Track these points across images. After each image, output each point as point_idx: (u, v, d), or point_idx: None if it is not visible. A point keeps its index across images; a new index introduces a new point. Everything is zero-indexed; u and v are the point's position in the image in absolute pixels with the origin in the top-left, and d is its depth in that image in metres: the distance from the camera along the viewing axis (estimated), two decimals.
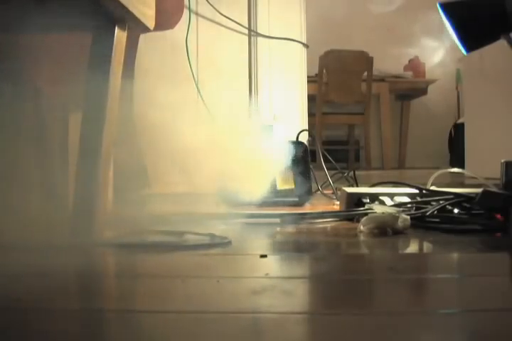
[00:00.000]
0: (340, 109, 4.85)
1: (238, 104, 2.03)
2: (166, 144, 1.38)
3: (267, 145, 1.63)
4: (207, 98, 1.96)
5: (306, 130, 2.07)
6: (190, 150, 1.45)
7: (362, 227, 1.15)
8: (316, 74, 4.66)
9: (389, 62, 5.19)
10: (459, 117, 5.18)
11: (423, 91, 5.26)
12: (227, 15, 2.19)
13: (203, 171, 1.51)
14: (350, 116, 4.85)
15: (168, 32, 1.86)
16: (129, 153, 1.34)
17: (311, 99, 3.71)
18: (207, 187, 1.47)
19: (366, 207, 1.33)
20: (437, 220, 1.23)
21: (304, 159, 1.76)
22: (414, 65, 5.25)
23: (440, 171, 1.58)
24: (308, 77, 2.53)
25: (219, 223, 1.27)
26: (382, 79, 4.92)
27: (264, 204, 1.50)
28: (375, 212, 1.22)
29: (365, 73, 4.69)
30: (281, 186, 1.71)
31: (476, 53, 3.05)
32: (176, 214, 1.28)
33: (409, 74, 5.13)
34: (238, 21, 2.21)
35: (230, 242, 1.02)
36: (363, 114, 4.80)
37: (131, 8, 1.07)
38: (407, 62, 5.32)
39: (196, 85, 1.96)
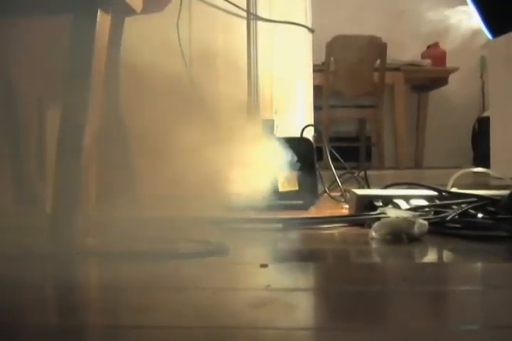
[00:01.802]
0: (349, 102, 4.85)
1: (235, 97, 2.03)
2: (156, 140, 1.39)
3: (267, 142, 1.63)
4: (201, 90, 1.97)
5: (311, 125, 2.07)
6: (182, 148, 1.45)
7: (374, 233, 1.15)
8: (323, 63, 4.66)
9: (404, 48, 5.20)
10: (483, 110, 5.19)
11: (443, 82, 5.26)
12: None
13: (197, 171, 1.51)
14: (361, 109, 4.86)
15: (156, 15, 1.86)
16: (115, 150, 1.34)
17: (317, 90, 3.70)
18: (201, 189, 1.47)
19: (378, 211, 1.34)
20: (458, 226, 1.23)
21: (309, 158, 1.77)
22: (433, 52, 5.25)
23: (462, 171, 1.59)
24: (313, 65, 2.53)
25: (215, 229, 1.28)
26: (396, 68, 4.92)
27: (264, 207, 1.50)
28: (389, 217, 1.22)
29: (378, 61, 4.70)
30: (283, 188, 1.72)
31: (502, 38, 3.05)
32: (167, 218, 1.29)
33: (427, 62, 5.13)
34: (235, 3, 2.21)
35: (226, 250, 1.03)
36: (375, 107, 4.80)
37: None
38: (425, 48, 5.32)
39: (189, 76, 1.97)
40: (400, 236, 1.13)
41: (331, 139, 4.66)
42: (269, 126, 1.85)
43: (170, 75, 1.76)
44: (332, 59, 4.65)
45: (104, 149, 1.25)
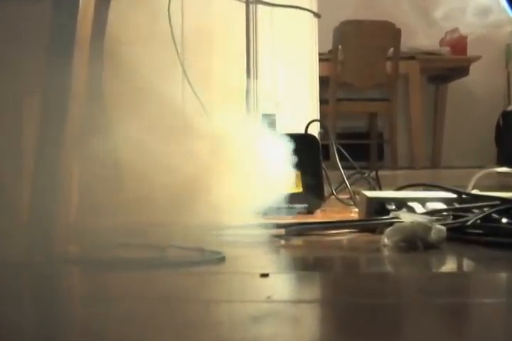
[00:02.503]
0: (359, 95, 4.85)
1: (233, 89, 2.03)
2: (145, 136, 1.39)
3: (267, 139, 1.63)
4: (194, 81, 1.97)
5: (317, 120, 2.07)
6: (173, 145, 1.46)
7: (386, 240, 1.15)
8: (330, 51, 4.66)
9: (421, 35, 5.20)
10: (508, 104, 5.19)
11: (464, 72, 5.25)
12: None
13: (189, 171, 1.52)
14: (372, 102, 4.86)
15: (145, 0, 1.87)
16: (99, 148, 1.35)
17: (324, 81, 3.70)
18: (193, 191, 1.47)
19: (391, 215, 1.34)
20: (480, 232, 1.23)
21: (315, 156, 1.77)
22: (453, 39, 5.24)
23: (484, 171, 1.59)
24: (320, 54, 2.54)
25: (210, 235, 1.28)
26: (412, 57, 4.92)
27: (265, 212, 1.50)
28: (403, 222, 1.23)
29: (391, 49, 4.70)
30: (287, 190, 1.72)
31: None
32: (157, 223, 1.29)
33: (446, 50, 5.12)
34: None
35: (223, 258, 1.03)
36: (388, 100, 4.80)
37: None
38: (443, 34, 5.32)
39: (181, 65, 1.97)
40: (415, 243, 1.13)
41: (339, 136, 4.66)
42: (270, 121, 1.85)
43: (160, 66, 1.77)
44: (340, 47, 4.65)
45: (86, 145, 1.25)
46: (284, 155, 1.62)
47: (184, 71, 1.95)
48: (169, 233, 1.23)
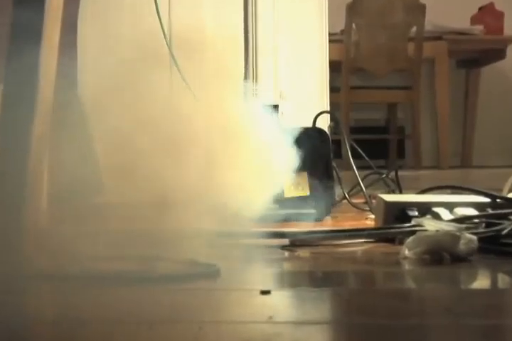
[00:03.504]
0: (376, 82, 4.85)
1: (229, 78, 2.04)
2: (127, 135, 1.40)
3: (269, 134, 1.64)
4: (185, 69, 1.97)
5: (326, 112, 2.08)
6: (160, 143, 1.46)
7: (407, 252, 1.16)
8: (342, 31, 4.67)
9: (449, 11, 5.19)
10: None
11: (499, 55, 5.24)
12: None
13: (179, 172, 1.52)
14: (392, 91, 4.86)
15: None
16: (73, 147, 1.35)
17: (335, 67, 3.71)
18: (184, 195, 1.48)
19: (413, 222, 1.35)
20: None
21: (324, 154, 1.77)
22: (487, 16, 5.23)
23: None
24: (330, 34, 2.54)
25: (203, 245, 1.29)
26: (438, 37, 4.91)
27: (266, 218, 1.51)
28: (426, 230, 1.23)
29: (414, 28, 4.70)
30: (290, 193, 1.73)
31: None
32: (142, 232, 1.30)
33: (478, 28, 5.11)
34: None
35: (218, 272, 1.04)
36: (410, 88, 4.80)
37: None
38: (475, 11, 5.31)
39: (169, 51, 1.97)
40: (440, 255, 1.14)
41: (352, 130, 4.66)
42: (273, 113, 1.86)
43: (147, 58, 1.77)
44: (354, 26, 4.65)
45: (58, 140, 1.26)
46: (288, 152, 1.62)
47: (174, 60, 1.95)
48: (155, 242, 1.23)
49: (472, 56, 5.33)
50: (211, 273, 1.03)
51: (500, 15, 5.24)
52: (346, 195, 1.91)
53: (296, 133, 1.69)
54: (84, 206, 1.39)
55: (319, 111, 1.99)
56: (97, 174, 1.43)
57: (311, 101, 2.33)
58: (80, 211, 1.39)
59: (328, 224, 1.67)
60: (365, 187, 1.88)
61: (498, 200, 1.45)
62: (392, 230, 1.36)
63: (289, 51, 2.30)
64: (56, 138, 1.21)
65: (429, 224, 1.29)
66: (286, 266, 1.20)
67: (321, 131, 1.83)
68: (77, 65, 1.47)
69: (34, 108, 1.09)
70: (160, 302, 0.90)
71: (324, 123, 2.06)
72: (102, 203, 1.44)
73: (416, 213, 1.40)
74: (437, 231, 1.19)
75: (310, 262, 1.23)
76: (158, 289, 0.96)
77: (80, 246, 1.18)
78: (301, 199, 1.72)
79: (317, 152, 1.75)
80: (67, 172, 1.35)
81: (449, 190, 1.64)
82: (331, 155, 1.79)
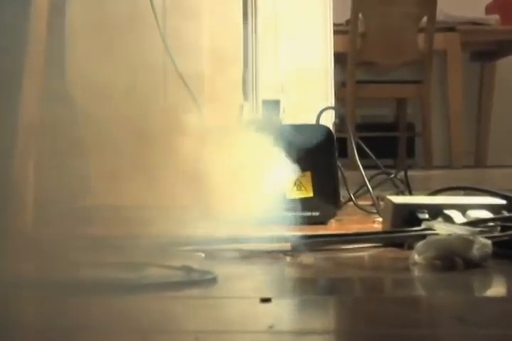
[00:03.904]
0: (384, 75, 4.85)
1: (226, 70, 2.04)
2: (118, 133, 1.40)
3: (270, 131, 1.64)
4: (179, 60, 1.97)
5: (331, 108, 2.08)
6: (152, 143, 1.47)
7: (417, 257, 1.16)
8: (348, 22, 4.67)
9: (462, 0, 5.19)
10: None
11: None
12: None
13: (171, 172, 1.52)
14: (401, 85, 4.86)
15: None
16: (62, 147, 1.35)
17: (340, 59, 3.71)
18: (177, 198, 1.48)
19: (424, 225, 1.35)
20: None
21: (328, 153, 1.77)
22: (503, 5, 5.23)
23: None
24: (335, 25, 2.54)
25: (198, 251, 1.29)
26: (451, 28, 4.91)
27: (267, 221, 1.51)
28: (438, 234, 1.23)
29: (425, 18, 4.70)
30: (293, 194, 1.73)
31: None
32: (133, 236, 1.30)
33: (494, 18, 5.11)
34: None
35: (214, 279, 1.04)
36: (421, 82, 4.80)
37: None
38: None
39: (163, 40, 1.98)
40: (453, 260, 1.14)
41: (359, 127, 4.66)
42: (273, 109, 1.86)
43: (135, 34, 1.78)
44: (361, 15, 4.65)
45: (45, 142, 1.26)
46: (290, 151, 1.62)
47: (167, 48, 1.96)
48: (147, 248, 1.23)
49: (487, 48, 5.33)
50: (207, 280, 1.03)
51: None
52: (352, 197, 1.91)
53: (298, 130, 1.70)
54: (72, 209, 1.39)
55: (323, 107, 1.99)
56: (85, 175, 1.44)
57: (314, 97, 2.33)
58: (67, 214, 1.39)
59: (332, 228, 1.67)
60: (372, 188, 1.88)
61: None
62: (401, 234, 1.36)
63: (291, 42, 2.30)
64: (43, 136, 1.21)
65: (441, 228, 1.29)
66: (288, 272, 1.20)
67: (325, 128, 1.83)
68: (65, 53, 1.47)
69: (18, 102, 1.10)
70: (153, 311, 0.90)
71: (329, 119, 2.06)
72: (90, 206, 1.45)
73: (426, 216, 1.41)
74: (449, 235, 1.19)
75: (313, 268, 1.23)
76: (151, 297, 0.97)
77: (67, 252, 1.18)
78: (305, 201, 1.72)
79: (321, 151, 1.75)
80: (54, 173, 1.36)
81: (461, 191, 1.64)
82: (336, 154, 1.79)
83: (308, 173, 1.73)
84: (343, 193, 1.85)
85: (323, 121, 1.91)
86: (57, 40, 1.39)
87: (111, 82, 1.70)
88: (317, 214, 1.72)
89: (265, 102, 1.94)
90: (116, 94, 1.67)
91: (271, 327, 0.80)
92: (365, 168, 1.90)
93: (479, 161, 5.31)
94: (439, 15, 4.76)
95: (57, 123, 1.33)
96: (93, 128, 1.54)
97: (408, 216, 1.42)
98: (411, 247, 1.22)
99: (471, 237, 1.16)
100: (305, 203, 1.71)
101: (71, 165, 1.38)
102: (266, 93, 2.09)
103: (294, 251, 1.32)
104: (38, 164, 1.22)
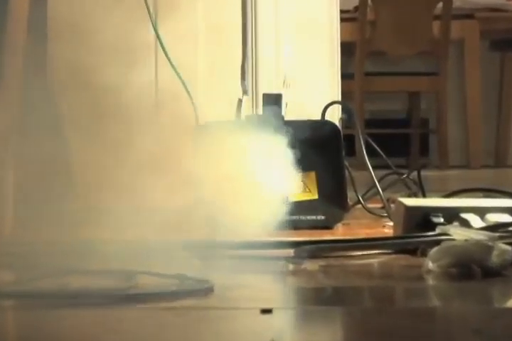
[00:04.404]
0: (396, 67, 4.85)
1: (223, 61, 2.04)
2: (105, 133, 1.41)
3: (270, 128, 1.64)
4: (173, 53, 1.98)
5: (338, 102, 2.08)
6: (142, 141, 1.47)
7: (431, 265, 1.16)
8: (356, 8, 4.67)
9: None
10: None
11: None
12: None
13: (164, 173, 1.53)
14: (414, 78, 4.85)
15: None
16: (45, 147, 1.36)
17: (348, 49, 3.71)
18: (169, 198, 1.48)
19: (438, 230, 1.35)
20: None
21: (335, 151, 1.78)
22: None
23: None
24: (341, 12, 2.54)
25: (193, 257, 1.29)
26: (468, 15, 4.91)
27: (267, 226, 1.51)
28: (454, 240, 1.23)
29: (440, 4, 4.70)
30: (296, 197, 1.73)
31: None
32: (121, 241, 1.30)
33: None
34: None
35: (211, 288, 1.04)
36: (436, 74, 4.80)
37: None
38: None
39: (155, 31, 1.98)
40: (470, 268, 1.14)
41: (368, 123, 4.66)
42: (274, 103, 1.86)
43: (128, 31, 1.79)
44: (370, 1, 4.65)
45: (26, 143, 1.27)
46: (293, 149, 1.63)
47: (157, 33, 1.96)
48: (138, 254, 1.23)
49: (508, 37, 5.32)
50: (204, 289, 1.04)
51: None
52: (360, 199, 1.91)
53: (302, 127, 1.70)
54: (56, 212, 1.39)
55: (329, 102, 1.99)
56: (68, 178, 1.44)
57: (319, 90, 2.33)
58: (50, 218, 1.39)
59: (339, 233, 1.68)
60: (383, 190, 1.88)
61: None
62: (414, 240, 1.36)
63: (294, 31, 2.31)
64: (24, 138, 1.22)
65: (457, 233, 1.29)
66: (291, 280, 1.20)
67: (331, 124, 1.83)
68: (46, 47, 1.48)
69: None
70: (145, 323, 0.90)
71: (335, 115, 2.06)
72: (75, 209, 1.45)
73: (441, 220, 1.41)
74: (466, 240, 1.20)
75: (318, 276, 1.23)
76: (141, 308, 0.97)
77: (50, 258, 1.18)
78: (309, 203, 1.72)
79: (327, 149, 1.75)
80: (36, 175, 1.36)
81: (480, 193, 1.64)
82: (343, 153, 1.79)
83: (312, 173, 1.73)
84: (350, 195, 1.85)
85: (328, 117, 1.91)
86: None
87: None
88: (322, 217, 1.72)
89: (266, 96, 1.94)
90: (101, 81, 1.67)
91: (272, 340, 0.80)
92: (374, 167, 1.90)
93: (499, 160, 5.30)
94: (456, 1, 4.76)
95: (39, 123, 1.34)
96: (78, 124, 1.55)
97: (421, 220, 1.42)
98: (424, 254, 1.22)
99: (489, 243, 1.16)
100: (309, 206, 1.71)
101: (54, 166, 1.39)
102: (267, 86, 2.10)
103: (297, 258, 1.32)
104: (18, 165, 1.23)
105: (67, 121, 1.52)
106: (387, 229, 1.65)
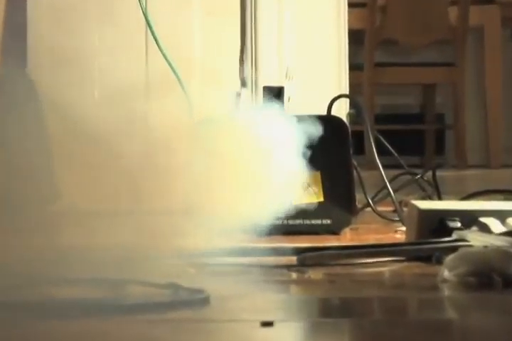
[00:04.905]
0: (409, 57, 4.86)
1: (220, 49, 2.05)
2: (89, 130, 1.41)
3: (272, 123, 1.65)
4: (164, 39, 1.98)
5: (345, 96, 2.08)
6: (132, 138, 1.48)
7: (447, 273, 1.17)
8: None
9: None
10: None
11: None
12: None
13: (156, 173, 1.53)
14: (429, 69, 4.86)
15: None
16: (24, 145, 1.37)
17: (356, 38, 3.71)
18: (161, 202, 1.49)
19: (455, 236, 1.35)
20: None
21: (342, 149, 1.78)
22: None
23: None
24: None
25: (187, 265, 1.29)
26: (488, 0, 4.92)
27: (269, 231, 1.52)
28: (472, 246, 1.24)
29: None
30: (300, 199, 1.73)
31: None
32: (110, 246, 1.30)
33: None
34: None
35: (206, 299, 1.04)
36: (453, 65, 4.80)
37: None
38: None
39: (148, 23, 1.99)
40: (489, 277, 1.14)
41: (378, 119, 4.67)
42: (276, 97, 1.86)
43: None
44: None
45: (5, 136, 1.27)
46: (297, 147, 1.63)
47: (149, 24, 1.96)
48: (128, 262, 1.24)
49: None
50: (199, 300, 1.04)
51: None
52: (370, 202, 1.92)
53: (306, 123, 1.70)
54: (39, 215, 1.40)
55: (336, 95, 1.99)
56: (50, 178, 1.44)
57: (325, 82, 2.33)
58: (31, 220, 1.40)
59: (346, 239, 1.68)
60: (394, 192, 1.89)
61: None
62: (428, 246, 1.37)
63: (297, 17, 2.31)
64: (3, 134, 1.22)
65: (475, 239, 1.30)
66: (294, 290, 1.21)
67: (337, 120, 1.84)
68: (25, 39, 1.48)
69: None
70: (135, 336, 0.91)
71: (342, 110, 2.07)
72: (60, 212, 1.45)
73: (458, 224, 1.41)
74: (485, 247, 1.20)
75: (324, 286, 1.24)
76: (132, 320, 0.97)
77: (34, 265, 1.19)
78: (314, 206, 1.72)
79: (333, 147, 1.75)
80: (15, 174, 1.36)
81: (501, 195, 1.64)
82: (351, 151, 1.80)
83: (318, 174, 1.74)
84: (358, 197, 1.86)
85: (335, 112, 1.92)
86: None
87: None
88: (328, 222, 1.72)
89: (267, 89, 1.95)
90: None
91: None
92: (385, 167, 1.90)
93: None
94: None
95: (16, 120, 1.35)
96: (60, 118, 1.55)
97: (436, 224, 1.42)
98: (440, 262, 1.23)
99: (511, 250, 1.17)
100: (314, 209, 1.72)
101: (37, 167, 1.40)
102: (267, 78, 2.10)
103: (300, 266, 1.33)
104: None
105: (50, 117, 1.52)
106: (399, 234, 1.65)
